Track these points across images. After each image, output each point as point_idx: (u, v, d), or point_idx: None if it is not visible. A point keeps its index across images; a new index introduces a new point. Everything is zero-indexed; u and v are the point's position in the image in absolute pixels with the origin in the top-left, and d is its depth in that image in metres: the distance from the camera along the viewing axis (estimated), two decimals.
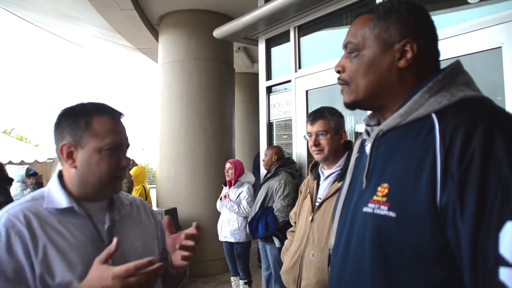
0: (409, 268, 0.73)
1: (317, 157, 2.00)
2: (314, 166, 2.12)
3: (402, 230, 0.73)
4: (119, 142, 1.09)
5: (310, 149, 2.02)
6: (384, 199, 0.77)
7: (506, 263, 0.60)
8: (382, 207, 0.77)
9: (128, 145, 1.15)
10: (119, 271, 0.92)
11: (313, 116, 2.03)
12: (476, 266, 0.64)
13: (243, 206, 3.87)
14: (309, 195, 2.05)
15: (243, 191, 3.94)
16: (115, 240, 0.96)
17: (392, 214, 0.75)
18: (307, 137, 2.06)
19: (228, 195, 4.00)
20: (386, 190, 0.78)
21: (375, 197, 0.80)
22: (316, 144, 1.97)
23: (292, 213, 2.31)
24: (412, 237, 0.72)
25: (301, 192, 2.18)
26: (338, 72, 0.94)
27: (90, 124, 1.06)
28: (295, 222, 2.23)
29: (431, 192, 0.70)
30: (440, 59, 0.89)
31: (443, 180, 0.69)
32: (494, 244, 0.62)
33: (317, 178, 2.05)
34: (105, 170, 1.06)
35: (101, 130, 1.06)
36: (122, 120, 1.16)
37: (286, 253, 2.09)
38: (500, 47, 2.25)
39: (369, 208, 0.80)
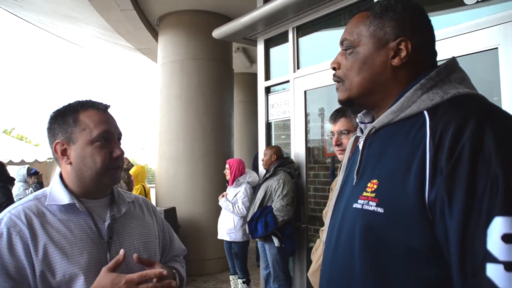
0: (399, 265, 0.72)
1: (340, 157, 1.92)
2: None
3: (390, 226, 0.73)
4: (108, 132, 1.11)
5: (334, 148, 1.93)
6: (373, 194, 0.77)
7: (493, 259, 0.60)
8: (370, 203, 0.77)
9: (119, 135, 1.16)
10: (131, 277, 0.98)
11: (335, 115, 1.95)
12: (464, 262, 0.64)
13: (238, 206, 3.88)
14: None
15: (240, 191, 3.94)
16: (122, 251, 1.03)
17: (380, 210, 0.75)
18: (330, 136, 1.97)
19: (226, 194, 4.02)
20: (375, 186, 0.78)
21: (364, 193, 0.80)
22: (338, 143, 1.89)
23: (324, 212, 2.20)
24: (401, 234, 0.72)
25: (332, 191, 2.09)
26: (334, 69, 0.94)
27: (77, 119, 1.09)
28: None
29: (420, 189, 0.69)
30: (437, 59, 0.89)
31: (432, 176, 0.68)
32: (482, 240, 0.61)
33: None
34: (99, 162, 1.08)
35: (89, 122, 1.09)
36: (111, 111, 1.18)
37: (316, 254, 2.01)
38: (497, 48, 2.27)
39: (358, 204, 0.80)
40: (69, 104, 1.13)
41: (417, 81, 0.81)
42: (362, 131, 0.96)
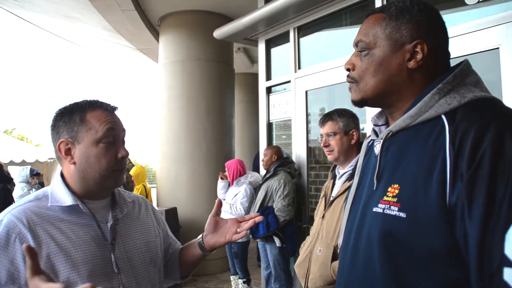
0: (420, 267, 0.73)
1: (329, 157, 2.07)
2: (334, 167, 2.17)
3: (412, 230, 0.74)
4: (114, 133, 1.09)
5: (324, 149, 2.10)
6: (395, 199, 0.78)
7: (510, 264, 0.61)
8: (392, 207, 0.78)
9: (124, 137, 1.15)
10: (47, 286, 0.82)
11: (323, 119, 2.11)
12: (481, 266, 0.65)
13: (236, 207, 3.87)
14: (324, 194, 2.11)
15: (240, 192, 3.94)
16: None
17: (402, 214, 0.75)
18: (320, 139, 2.13)
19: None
20: (396, 191, 0.79)
21: (385, 198, 0.80)
22: (326, 145, 2.04)
23: (316, 212, 2.35)
24: (423, 238, 0.73)
25: (323, 191, 2.23)
26: (348, 69, 0.94)
27: (84, 118, 1.07)
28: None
29: (441, 193, 0.70)
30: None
31: (452, 181, 0.69)
32: (500, 245, 0.62)
33: (334, 177, 2.10)
34: (104, 163, 1.06)
35: (96, 122, 1.07)
36: (117, 113, 1.17)
37: (303, 248, 2.16)
38: (498, 48, 2.27)
39: (379, 208, 0.81)
40: (76, 103, 1.12)
41: (434, 85, 0.81)
42: (376, 134, 0.96)
